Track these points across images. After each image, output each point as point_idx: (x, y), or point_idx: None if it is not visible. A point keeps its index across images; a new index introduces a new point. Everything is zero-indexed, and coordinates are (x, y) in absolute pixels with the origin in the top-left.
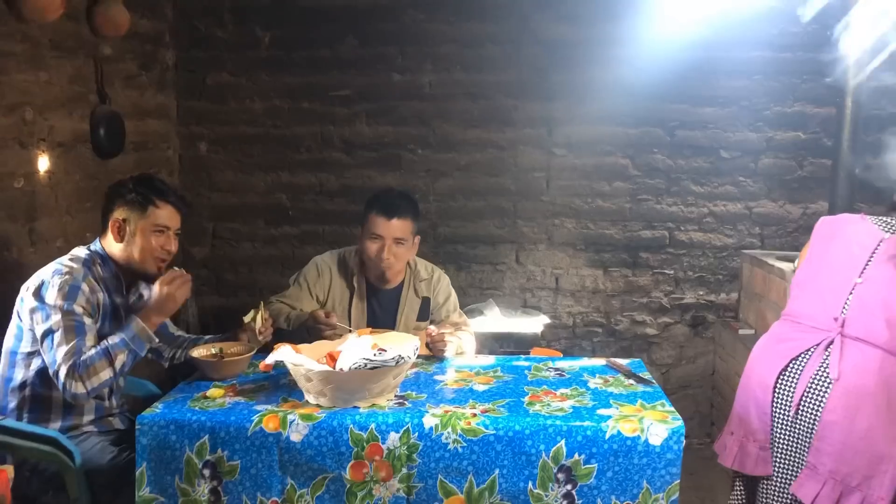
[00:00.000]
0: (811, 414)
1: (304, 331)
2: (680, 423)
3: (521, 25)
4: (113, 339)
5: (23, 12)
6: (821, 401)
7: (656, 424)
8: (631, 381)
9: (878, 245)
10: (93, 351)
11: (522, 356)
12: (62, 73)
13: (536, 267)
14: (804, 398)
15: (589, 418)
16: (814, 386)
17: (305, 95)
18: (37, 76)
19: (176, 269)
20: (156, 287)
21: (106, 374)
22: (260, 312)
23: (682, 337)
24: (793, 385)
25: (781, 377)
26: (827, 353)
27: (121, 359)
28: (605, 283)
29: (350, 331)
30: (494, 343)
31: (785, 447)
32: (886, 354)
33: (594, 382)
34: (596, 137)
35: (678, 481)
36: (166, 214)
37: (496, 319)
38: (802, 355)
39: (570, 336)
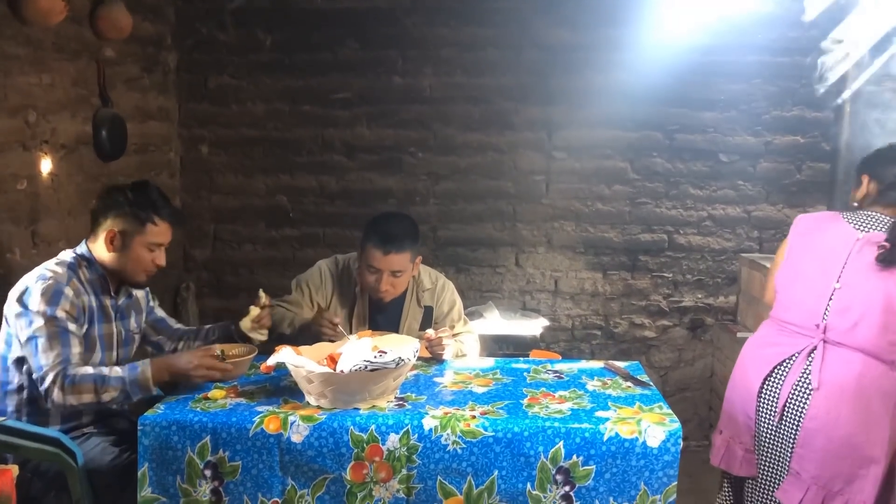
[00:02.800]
0: (794, 421)
1: (308, 333)
2: (677, 425)
3: (521, 30)
4: (114, 373)
5: (26, 16)
6: (803, 408)
7: (654, 427)
8: (629, 384)
9: (854, 246)
10: (87, 370)
11: (521, 358)
12: (65, 75)
13: (536, 270)
14: (787, 405)
15: (587, 420)
16: (796, 393)
17: (306, 98)
18: (40, 79)
19: (218, 359)
20: (188, 357)
21: (88, 398)
22: (259, 303)
23: (681, 340)
24: (777, 392)
25: (766, 383)
26: (809, 360)
27: (110, 393)
28: (605, 286)
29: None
30: (493, 345)
31: (770, 451)
32: (867, 358)
33: (592, 385)
34: (595, 141)
35: (675, 483)
36: (162, 231)
37: (495, 322)
38: (787, 361)
39: (569, 339)
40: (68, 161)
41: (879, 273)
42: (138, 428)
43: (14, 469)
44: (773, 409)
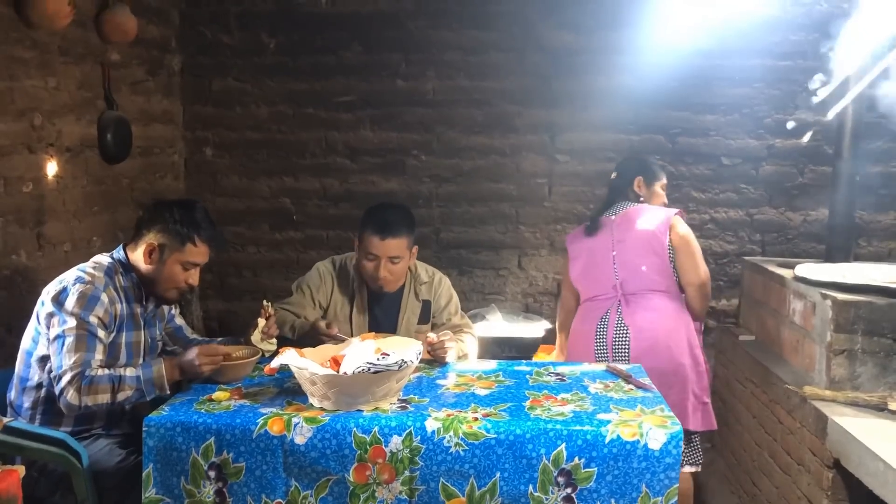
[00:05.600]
0: (623, 356)
1: (308, 339)
2: (679, 427)
3: (524, 33)
4: (129, 373)
5: (32, 19)
6: (626, 345)
7: (655, 429)
8: (631, 387)
9: (611, 225)
10: (103, 373)
11: (524, 361)
12: (70, 78)
13: (538, 272)
14: (615, 346)
15: (589, 423)
16: (618, 336)
17: (310, 101)
18: (45, 82)
19: (220, 347)
20: (193, 352)
21: (103, 399)
22: (265, 314)
23: None
24: (604, 339)
25: (596, 336)
26: (619, 311)
27: (125, 392)
28: None
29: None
30: (496, 348)
31: None
32: (656, 293)
33: (594, 387)
34: (598, 144)
35: (677, 485)
36: (201, 252)
37: (498, 324)
38: (603, 318)
39: None
40: (73, 163)
41: (638, 231)
42: (143, 429)
43: (20, 470)
44: (605, 353)
